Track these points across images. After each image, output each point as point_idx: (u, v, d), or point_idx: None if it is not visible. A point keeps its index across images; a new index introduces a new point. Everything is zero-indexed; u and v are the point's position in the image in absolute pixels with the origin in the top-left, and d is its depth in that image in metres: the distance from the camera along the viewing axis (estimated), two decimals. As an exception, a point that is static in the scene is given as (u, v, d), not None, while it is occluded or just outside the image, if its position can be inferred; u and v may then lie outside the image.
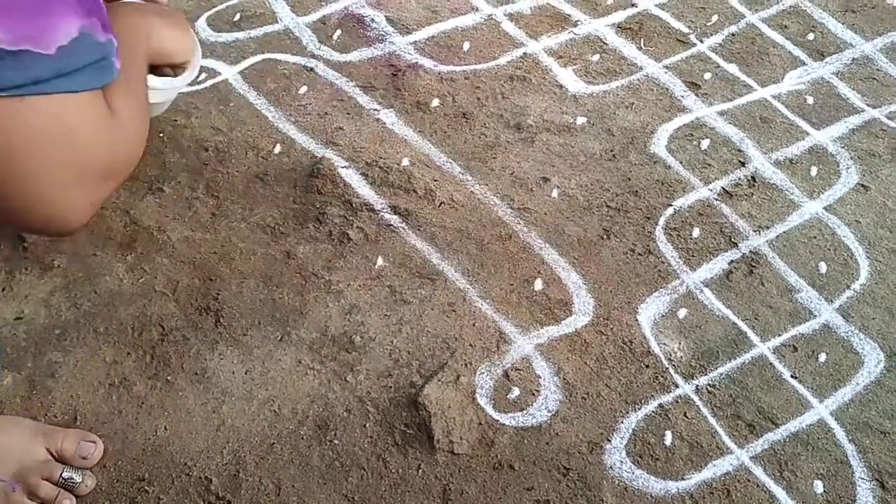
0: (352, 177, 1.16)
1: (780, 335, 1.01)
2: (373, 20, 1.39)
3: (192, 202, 1.13)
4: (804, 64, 1.33)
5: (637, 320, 1.02)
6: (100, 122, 0.60)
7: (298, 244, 1.09)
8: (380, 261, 1.07)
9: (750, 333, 1.01)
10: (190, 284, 1.05)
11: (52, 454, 0.88)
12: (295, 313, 1.02)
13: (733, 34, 1.38)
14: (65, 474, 0.85)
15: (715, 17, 1.40)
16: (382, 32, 1.37)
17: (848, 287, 1.06)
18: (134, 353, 0.97)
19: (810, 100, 1.28)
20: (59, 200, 0.58)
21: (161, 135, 1.21)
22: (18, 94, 0.53)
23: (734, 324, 1.02)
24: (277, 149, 1.20)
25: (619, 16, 1.40)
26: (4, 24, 0.51)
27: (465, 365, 0.97)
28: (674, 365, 0.98)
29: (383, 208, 1.12)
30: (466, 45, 1.35)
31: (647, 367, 0.98)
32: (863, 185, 1.17)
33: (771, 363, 0.98)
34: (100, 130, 0.60)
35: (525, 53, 1.34)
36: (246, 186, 1.16)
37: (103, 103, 0.61)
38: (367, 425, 0.92)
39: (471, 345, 0.99)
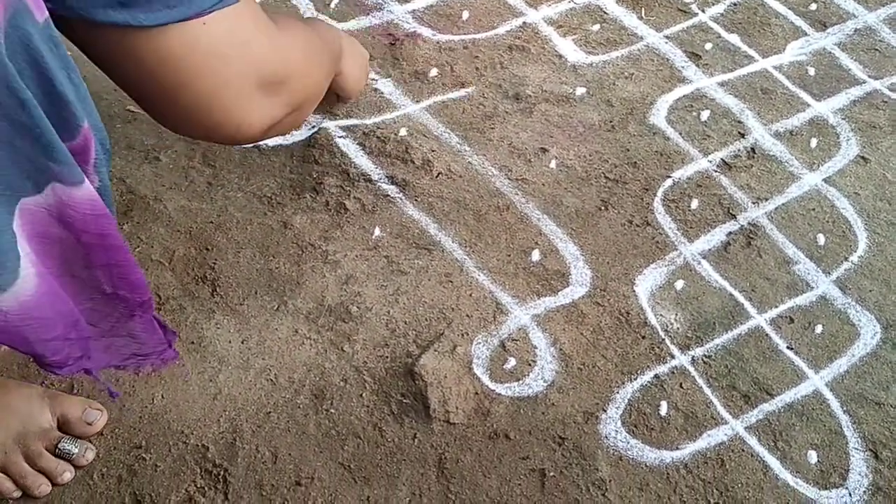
0: (349, 147, 1.15)
1: (776, 307, 1.01)
2: (370, -12, 1.37)
3: (189, 171, 1.13)
4: (806, 34, 1.32)
5: (634, 292, 1.02)
6: (266, 30, 0.65)
7: (295, 214, 1.08)
8: (377, 231, 1.07)
9: (747, 305, 1.01)
10: (186, 254, 1.04)
11: (57, 420, 0.88)
12: (291, 283, 1.02)
13: (735, 4, 1.36)
14: (61, 445, 0.85)
15: (717, -13, 1.38)
16: (380, 1, 1.35)
17: (846, 259, 1.05)
18: (130, 322, 0.97)
19: (812, 71, 1.27)
20: (241, 107, 0.65)
21: (157, 104, 1.20)
22: (204, 14, 0.58)
23: (731, 295, 1.02)
24: (274, 118, 1.19)
25: (620, -15, 1.39)
26: None
27: (462, 335, 0.97)
28: (670, 336, 0.98)
29: (380, 178, 1.12)
30: (465, 14, 1.34)
31: (643, 338, 0.98)
32: (863, 157, 1.16)
33: (767, 334, 0.98)
34: (268, 37, 0.65)
35: (524, 23, 1.33)
36: (242, 156, 1.15)
37: (263, 15, 0.65)
38: (364, 395, 0.92)
39: (467, 315, 0.99)
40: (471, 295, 1.01)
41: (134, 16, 0.54)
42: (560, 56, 1.28)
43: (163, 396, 0.92)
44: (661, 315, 1.00)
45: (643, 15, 1.34)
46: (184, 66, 0.60)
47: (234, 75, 0.64)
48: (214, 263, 1.03)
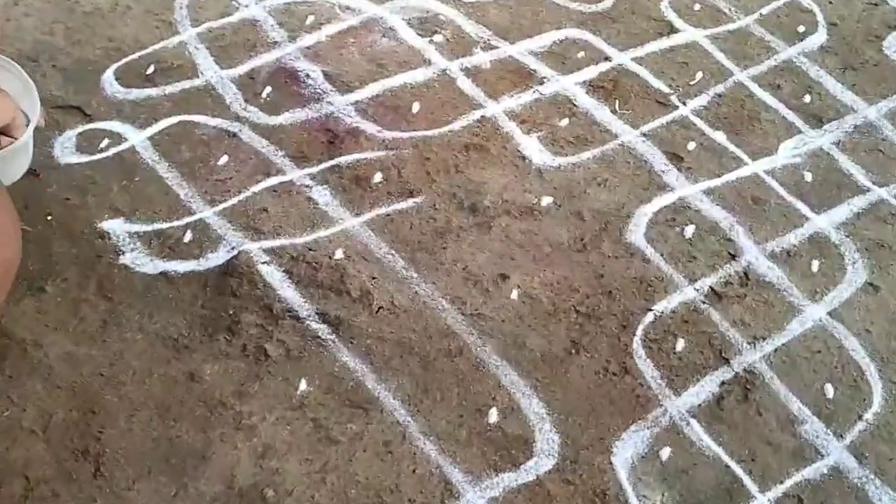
0: (273, 275, 0.97)
1: (782, 482, 0.84)
2: (308, 75, 1.20)
3: (80, 306, 0.94)
4: (800, 132, 1.17)
5: (611, 463, 0.85)
6: None
7: (205, 362, 0.90)
8: (303, 384, 0.89)
9: (746, 480, 0.84)
10: (66, 418, 0.85)
11: None
12: (195, 457, 0.83)
13: (720, 95, 1.21)
14: None
15: (699, 75, 1.23)
16: (319, 90, 1.18)
17: (860, 418, 0.89)
18: (-14, 519, 0.78)
19: (808, 176, 1.12)
20: None
21: (49, 217, 1.02)
22: None
23: (727, 467, 0.85)
24: (188, 237, 1.01)
25: (591, 72, 1.23)
26: None
27: (402, 529, 0.79)
28: (656, 525, 0.81)
29: (310, 315, 0.94)
30: (416, 107, 1.17)
31: (623, 527, 0.81)
32: (872, 285, 1.01)
33: (772, 521, 0.82)
34: None
35: (483, 117, 1.16)
36: (146, 285, 0.96)
37: None
38: None
39: (410, 499, 0.81)
40: (414, 471, 0.83)
41: None
42: (523, 157, 1.12)
43: None
44: (644, 496, 0.83)
45: (617, 108, 1.18)
46: None
47: None
48: (101, 431, 0.84)
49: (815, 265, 1.02)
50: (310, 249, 1.00)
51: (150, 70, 1.19)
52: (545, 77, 1.22)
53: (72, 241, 1.00)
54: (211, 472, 0.82)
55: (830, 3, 1.35)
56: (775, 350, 0.94)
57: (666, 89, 1.21)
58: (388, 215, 1.04)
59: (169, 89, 1.17)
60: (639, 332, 0.95)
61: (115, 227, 1.01)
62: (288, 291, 0.96)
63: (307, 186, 1.07)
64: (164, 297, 0.95)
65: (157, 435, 0.85)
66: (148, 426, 0.85)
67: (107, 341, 0.91)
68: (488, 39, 1.27)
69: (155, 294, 0.96)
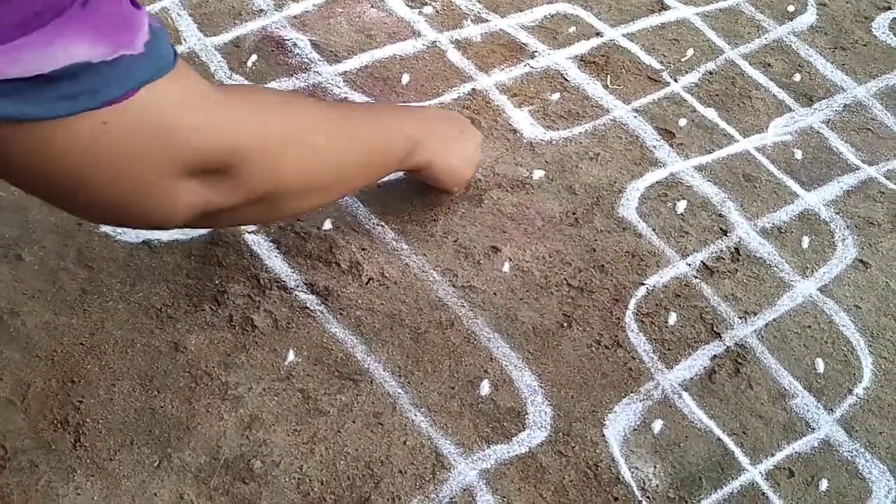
0: (261, 245, 0.95)
1: (773, 455, 0.84)
2: (296, 45, 1.17)
3: (58, 274, 0.91)
4: (791, 110, 1.17)
5: (604, 436, 0.84)
6: (200, 105, 0.57)
7: (190, 332, 0.88)
8: (291, 355, 0.87)
9: (738, 453, 0.84)
10: (45, 388, 0.83)
11: None
12: (179, 428, 0.81)
13: (711, 73, 1.21)
14: None
15: (690, 52, 1.22)
16: (307, 60, 1.16)
17: (850, 392, 0.89)
18: (-38, 489, 0.75)
19: (799, 154, 1.12)
20: (163, 201, 0.58)
21: (26, 184, 0.98)
22: (116, 101, 0.50)
23: (719, 440, 0.85)
24: (171, 205, 0.98)
25: (583, 46, 1.22)
26: (97, 38, 0.49)
27: (392, 499, 0.78)
28: (648, 497, 0.80)
29: (298, 286, 0.92)
30: (405, 78, 1.15)
31: (615, 499, 0.80)
32: (861, 261, 1.01)
33: (764, 493, 0.81)
34: (205, 116, 0.57)
35: (474, 89, 1.15)
36: (128, 255, 0.94)
37: (201, 84, 0.58)
38: (264, 588, 0.72)
39: (400, 471, 0.80)
40: (405, 442, 0.82)
41: (18, 107, 0.46)
42: (515, 131, 1.11)
43: None
44: (636, 468, 0.82)
45: (609, 83, 1.17)
46: (90, 163, 0.51)
47: (153, 171, 0.54)
48: (81, 401, 0.82)
49: (806, 241, 1.02)
50: (297, 219, 0.98)
51: (132, 36, 1.16)
52: (536, 51, 1.20)
53: (50, 208, 0.96)
54: (195, 442, 0.80)
55: (820, -16, 1.35)
56: (766, 325, 0.94)
57: (657, 66, 1.20)
58: (377, 186, 1.03)
59: (151, 56, 1.14)
60: (631, 305, 0.94)
61: (96, 194, 0.98)
62: (275, 261, 0.94)
63: (294, 156, 1.05)
64: (147, 266, 0.93)
65: (139, 405, 0.82)
66: (130, 396, 0.83)
67: (87, 310, 0.89)
68: (479, 12, 1.25)
69: (137, 263, 0.93)
